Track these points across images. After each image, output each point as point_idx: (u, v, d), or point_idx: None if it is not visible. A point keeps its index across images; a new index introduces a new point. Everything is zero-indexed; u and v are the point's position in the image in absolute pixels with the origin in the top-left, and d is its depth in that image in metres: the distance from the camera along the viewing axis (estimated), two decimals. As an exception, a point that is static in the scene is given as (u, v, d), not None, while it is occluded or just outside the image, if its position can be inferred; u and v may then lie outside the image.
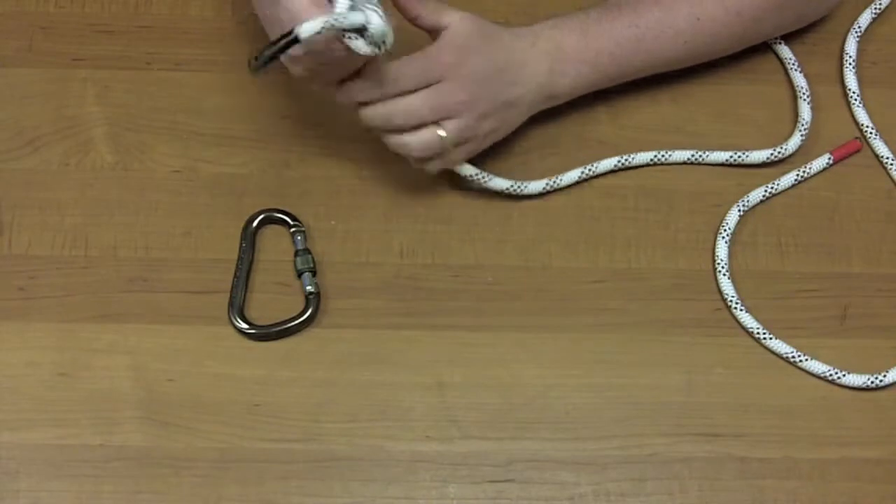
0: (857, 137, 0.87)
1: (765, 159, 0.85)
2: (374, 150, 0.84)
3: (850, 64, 0.89)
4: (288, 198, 0.84)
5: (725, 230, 0.83)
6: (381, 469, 0.76)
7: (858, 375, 0.78)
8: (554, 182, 0.84)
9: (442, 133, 0.75)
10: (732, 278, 0.81)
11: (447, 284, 0.81)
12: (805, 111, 0.86)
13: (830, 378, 0.78)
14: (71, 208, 0.84)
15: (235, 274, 0.81)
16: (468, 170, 0.81)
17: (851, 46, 0.90)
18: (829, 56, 0.91)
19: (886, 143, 0.87)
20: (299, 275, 0.81)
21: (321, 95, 0.77)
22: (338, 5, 0.68)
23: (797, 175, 0.85)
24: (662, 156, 0.85)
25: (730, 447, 0.76)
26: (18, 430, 0.76)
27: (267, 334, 0.79)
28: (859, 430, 0.77)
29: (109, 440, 0.76)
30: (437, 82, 0.74)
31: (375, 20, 0.68)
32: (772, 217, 0.84)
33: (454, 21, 0.75)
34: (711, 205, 0.84)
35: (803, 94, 0.87)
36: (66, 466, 0.75)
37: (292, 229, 0.82)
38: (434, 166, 0.79)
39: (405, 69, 0.74)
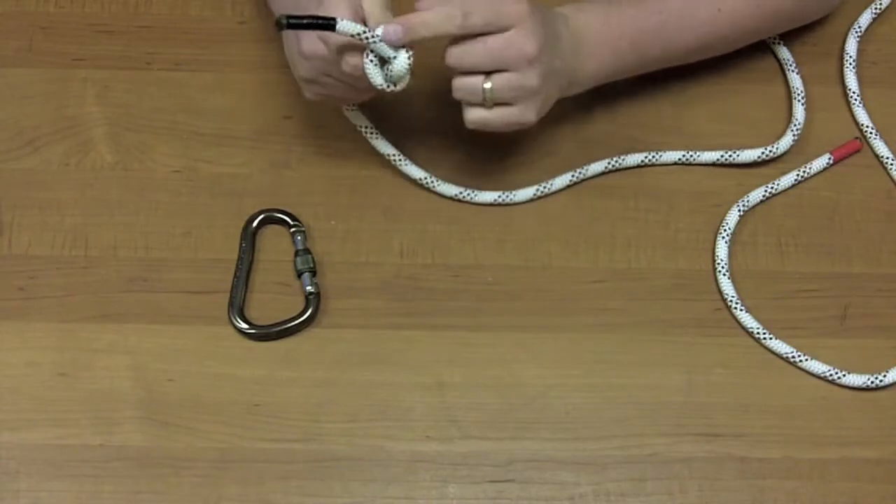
0: (857, 137, 0.87)
1: (756, 158, 0.85)
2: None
3: (850, 64, 0.89)
4: (288, 198, 0.84)
5: (725, 230, 0.83)
6: (381, 469, 0.76)
7: (858, 375, 0.78)
8: (544, 188, 0.84)
9: (488, 85, 0.73)
10: (732, 278, 0.81)
11: (447, 284, 0.81)
12: (799, 112, 0.86)
13: (830, 378, 0.78)
14: (71, 208, 0.84)
15: (235, 274, 0.81)
16: (451, 189, 0.83)
17: (852, 46, 0.90)
18: (829, 56, 0.91)
19: (886, 143, 0.87)
20: (299, 275, 0.81)
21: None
22: (379, 31, 0.71)
23: (797, 175, 0.85)
24: (653, 157, 0.85)
25: (730, 447, 0.76)
26: (18, 430, 0.76)
27: (267, 334, 0.79)
28: (859, 430, 0.77)
29: (109, 440, 0.76)
30: (506, 29, 0.72)
31: (402, 60, 0.72)
32: (772, 217, 0.84)
33: None
34: (711, 205, 0.84)
35: (798, 95, 0.87)
36: (66, 466, 0.75)
37: (292, 229, 0.82)
38: (472, 116, 0.75)
39: (478, 4, 0.71)
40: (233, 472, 0.75)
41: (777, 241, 0.83)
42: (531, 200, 0.84)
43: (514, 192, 0.83)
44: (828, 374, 0.78)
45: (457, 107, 0.75)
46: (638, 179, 0.85)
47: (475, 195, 0.83)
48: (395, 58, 0.72)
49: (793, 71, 0.88)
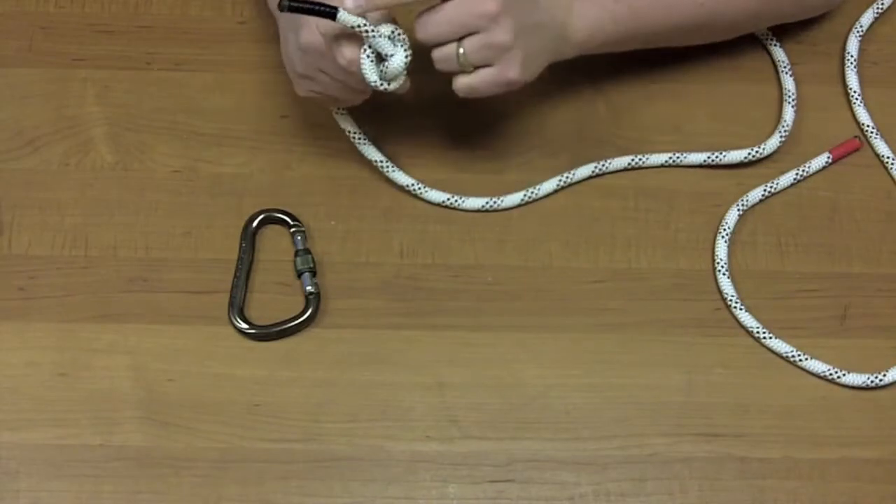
0: (856, 136, 0.87)
1: (742, 159, 0.85)
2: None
3: (851, 63, 0.89)
4: (288, 198, 0.84)
5: (725, 230, 0.83)
6: (381, 469, 0.76)
7: (858, 375, 0.78)
8: (532, 193, 0.83)
9: (461, 50, 0.72)
10: (732, 278, 0.81)
11: (447, 284, 0.81)
12: (788, 114, 0.86)
13: (830, 378, 0.78)
14: (71, 208, 0.84)
15: (235, 274, 0.81)
16: (439, 196, 0.83)
17: (853, 46, 0.90)
18: (830, 56, 0.91)
19: (887, 142, 0.87)
20: (299, 275, 0.81)
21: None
22: (381, 27, 0.71)
23: (796, 174, 0.85)
24: (640, 160, 0.85)
25: (730, 447, 0.76)
26: (18, 430, 0.76)
27: (267, 334, 0.79)
28: (859, 430, 0.77)
29: (109, 440, 0.76)
30: None
31: (399, 58, 0.71)
32: (772, 217, 0.84)
33: None
34: (711, 205, 0.84)
35: (789, 97, 0.87)
36: (66, 466, 0.75)
37: (292, 229, 0.82)
38: (459, 84, 0.75)
39: None
40: (233, 472, 0.75)
41: (777, 240, 0.83)
42: (518, 206, 0.84)
43: (501, 198, 0.83)
44: (828, 373, 0.78)
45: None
46: (638, 179, 0.85)
47: (463, 201, 0.83)
48: (392, 55, 0.71)
49: (786, 73, 0.88)
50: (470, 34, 0.71)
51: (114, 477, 0.75)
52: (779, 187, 0.85)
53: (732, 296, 0.80)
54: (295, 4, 0.68)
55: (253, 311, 0.80)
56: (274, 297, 0.81)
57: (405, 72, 0.72)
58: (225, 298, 0.80)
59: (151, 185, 0.85)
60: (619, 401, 0.78)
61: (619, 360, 0.79)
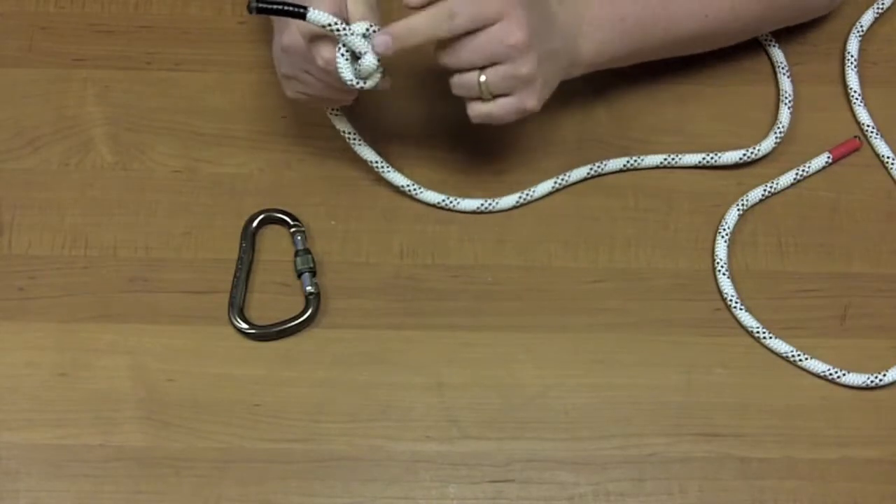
0: (856, 136, 0.87)
1: (737, 160, 0.85)
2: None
3: (852, 63, 0.89)
4: (288, 198, 0.84)
5: (725, 230, 0.83)
6: (381, 469, 0.76)
7: (858, 375, 0.78)
8: (527, 195, 0.83)
9: (483, 78, 0.72)
10: (732, 278, 0.81)
11: (447, 284, 0.81)
12: (784, 115, 0.86)
13: (830, 378, 0.78)
14: (71, 208, 0.84)
15: (235, 274, 0.81)
16: (435, 197, 0.83)
17: (853, 46, 0.90)
18: (830, 56, 0.91)
19: (887, 142, 0.87)
20: (299, 275, 0.81)
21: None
22: (354, 25, 0.71)
23: (796, 174, 0.85)
24: (635, 161, 0.85)
25: (730, 447, 0.76)
26: (18, 430, 0.76)
27: (267, 334, 0.79)
28: (859, 429, 0.77)
29: (109, 440, 0.76)
30: (493, 23, 0.71)
31: (370, 57, 0.71)
32: (772, 216, 0.84)
33: None
34: (711, 204, 0.84)
35: (786, 98, 0.87)
36: (66, 466, 0.75)
37: (292, 229, 0.82)
38: (475, 111, 0.75)
39: (462, 3, 0.70)
40: (233, 472, 0.75)
41: (777, 240, 0.83)
42: (514, 207, 0.84)
43: (497, 200, 0.83)
44: (828, 373, 0.78)
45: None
46: (638, 179, 0.85)
47: (458, 202, 0.83)
48: (364, 53, 0.71)
49: (784, 74, 0.88)
50: (494, 63, 0.72)
51: (114, 477, 0.75)
52: (779, 187, 0.85)
53: (732, 296, 0.81)
54: (263, 6, 0.69)
55: (253, 311, 0.80)
56: (274, 297, 0.81)
57: (379, 69, 0.72)
58: (225, 298, 0.80)
59: (151, 185, 0.85)
60: (618, 401, 0.78)
61: (618, 360, 0.79)
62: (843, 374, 0.78)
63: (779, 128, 0.86)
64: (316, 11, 0.69)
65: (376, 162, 0.83)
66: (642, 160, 0.85)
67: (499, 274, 0.82)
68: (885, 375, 0.78)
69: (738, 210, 0.83)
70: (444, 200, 0.83)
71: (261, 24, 0.90)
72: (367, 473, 0.75)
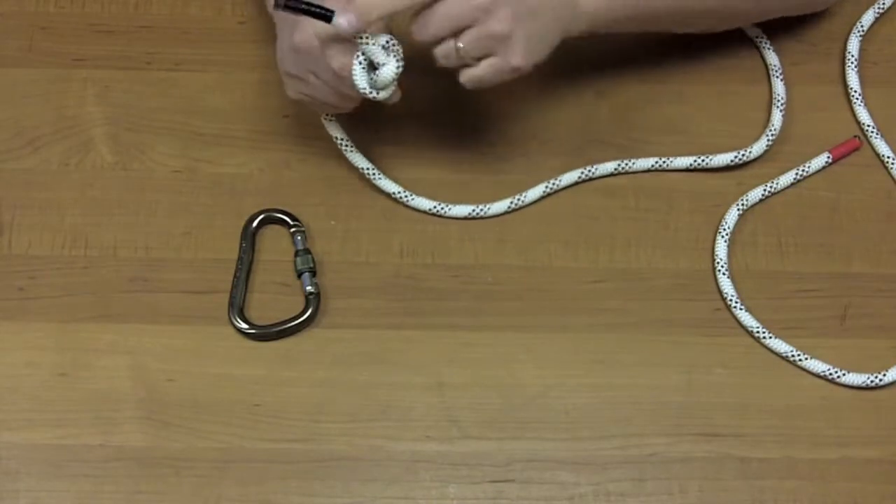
0: (856, 136, 0.87)
1: (728, 163, 0.85)
2: (373, 149, 0.84)
3: (852, 63, 0.89)
4: (288, 198, 0.84)
5: (725, 230, 0.83)
6: (381, 469, 0.76)
7: (858, 375, 0.78)
8: (518, 200, 0.83)
9: (460, 45, 0.72)
10: (732, 278, 0.81)
11: (447, 284, 0.81)
12: (776, 118, 0.86)
13: (830, 377, 0.78)
14: (71, 208, 0.84)
15: (235, 274, 0.81)
16: (426, 204, 0.83)
17: (854, 46, 0.90)
18: (830, 56, 0.91)
19: (887, 142, 0.87)
20: (299, 275, 0.81)
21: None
22: (378, 36, 0.71)
23: (796, 174, 0.85)
24: (627, 164, 0.85)
25: (730, 447, 0.76)
26: (18, 430, 0.76)
27: (267, 334, 0.79)
28: (859, 430, 0.77)
29: (109, 440, 0.76)
30: None
31: (391, 68, 0.71)
32: (772, 216, 0.84)
33: None
34: (711, 204, 0.84)
35: (778, 101, 0.87)
36: (66, 466, 0.75)
37: (292, 229, 0.82)
38: (465, 78, 0.74)
39: None
40: (233, 472, 0.75)
41: (777, 240, 0.83)
42: (505, 213, 0.84)
43: (488, 206, 0.83)
44: (828, 373, 0.78)
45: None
46: (638, 179, 0.85)
47: (450, 209, 0.83)
48: (384, 64, 0.71)
49: (777, 76, 0.88)
50: (467, 27, 0.71)
51: (114, 477, 0.75)
52: (779, 187, 0.85)
53: (732, 296, 0.80)
54: (291, 4, 0.68)
55: (253, 311, 0.80)
56: (274, 297, 0.81)
57: (395, 82, 0.72)
58: (225, 298, 0.80)
59: (151, 185, 0.85)
60: (618, 401, 0.78)
61: (618, 360, 0.79)
62: (843, 374, 0.78)
63: (771, 131, 0.86)
64: (344, 18, 0.68)
65: (368, 168, 0.83)
66: (633, 163, 0.85)
67: (499, 274, 0.82)
68: (885, 375, 0.78)
69: (738, 210, 0.83)
70: (435, 207, 0.83)
71: (261, 24, 0.90)
72: (367, 473, 0.75)
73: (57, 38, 0.90)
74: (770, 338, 0.79)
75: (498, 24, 0.71)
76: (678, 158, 0.85)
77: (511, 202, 0.83)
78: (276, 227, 0.83)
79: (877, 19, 0.92)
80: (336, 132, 0.82)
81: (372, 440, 0.76)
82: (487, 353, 0.79)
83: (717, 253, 0.82)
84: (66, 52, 0.89)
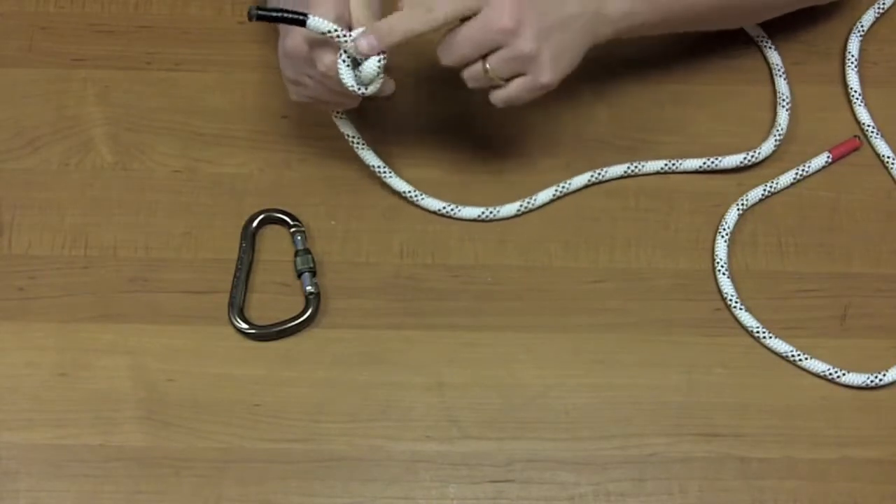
0: (856, 136, 0.87)
1: (737, 164, 0.85)
2: (373, 150, 0.84)
3: (852, 63, 0.89)
4: (288, 198, 0.84)
5: (725, 230, 0.83)
6: (381, 469, 0.76)
7: (858, 375, 0.78)
8: (529, 203, 0.83)
9: (487, 66, 0.72)
10: (732, 278, 0.81)
11: (447, 284, 0.81)
12: (782, 118, 0.86)
13: (830, 377, 0.78)
14: (71, 208, 0.84)
15: (235, 274, 0.81)
16: (436, 204, 0.83)
17: (854, 46, 0.90)
18: (830, 56, 0.91)
19: (887, 142, 0.87)
20: (299, 275, 0.81)
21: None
22: (354, 32, 0.71)
23: (796, 174, 0.85)
24: (636, 167, 0.85)
25: (730, 447, 0.76)
26: (18, 430, 0.76)
27: (267, 334, 0.79)
28: (859, 430, 0.77)
29: (109, 440, 0.76)
30: (478, 10, 0.70)
31: (372, 62, 0.71)
32: (772, 216, 0.84)
33: None
34: (711, 204, 0.84)
35: (783, 100, 0.87)
36: (66, 466, 0.75)
37: (292, 229, 0.82)
38: (495, 98, 0.75)
39: (442, 2, 0.70)
40: (233, 472, 0.75)
41: (777, 240, 0.83)
42: (516, 216, 0.84)
43: (497, 209, 0.83)
44: (828, 373, 0.78)
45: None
46: (638, 180, 0.85)
47: (459, 210, 0.83)
48: (366, 59, 0.72)
49: (780, 76, 0.88)
50: (493, 50, 0.71)
51: (114, 477, 0.75)
52: (779, 187, 0.85)
53: (732, 296, 0.80)
54: (263, 13, 0.69)
55: (253, 311, 0.80)
56: (274, 297, 0.81)
57: (380, 75, 0.72)
58: (225, 298, 0.80)
59: (151, 185, 0.85)
60: (618, 401, 0.78)
61: (618, 360, 0.79)
62: (843, 374, 0.78)
63: (778, 130, 0.86)
64: (316, 18, 0.69)
65: (379, 166, 0.83)
66: (643, 166, 0.85)
67: (499, 274, 0.82)
68: (885, 375, 0.78)
69: (738, 210, 0.83)
70: (444, 208, 0.83)
71: (261, 24, 0.90)
72: (367, 473, 0.75)
73: (57, 38, 0.90)
74: (770, 338, 0.79)
75: (525, 43, 0.71)
76: (687, 161, 0.85)
77: (521, 205, 0.83)
78: (276, 227, 0.83)
79: (877, 19, 0.92)
80: (348, 129, 0.82)
81: (372, 440, 0.76)
82: (487, 353, 0.79)
83: (717, 253, 0.82)
84: (66, 52, 0.89)
